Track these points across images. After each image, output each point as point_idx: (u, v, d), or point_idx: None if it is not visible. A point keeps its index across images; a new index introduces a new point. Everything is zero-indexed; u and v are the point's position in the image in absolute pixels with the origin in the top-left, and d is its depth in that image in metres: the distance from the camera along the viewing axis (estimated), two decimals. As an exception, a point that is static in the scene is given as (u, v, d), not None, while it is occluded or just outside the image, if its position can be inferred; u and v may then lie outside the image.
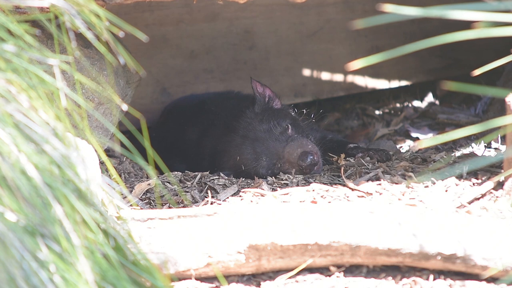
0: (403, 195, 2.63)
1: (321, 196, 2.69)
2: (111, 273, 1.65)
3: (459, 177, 2.70)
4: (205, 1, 3.93)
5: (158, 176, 3.06)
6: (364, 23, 1.68)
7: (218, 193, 2.90)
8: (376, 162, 3.09)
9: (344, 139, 3.67)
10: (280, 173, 3.11)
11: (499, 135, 3.17)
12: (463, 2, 1.76)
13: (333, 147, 3.29)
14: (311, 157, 3.09)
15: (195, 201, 2.84)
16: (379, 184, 2.75)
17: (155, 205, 2.79)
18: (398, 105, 4.48)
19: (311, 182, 2.88)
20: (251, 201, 2.73)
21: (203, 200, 2.82)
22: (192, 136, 3.47)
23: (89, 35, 1.80)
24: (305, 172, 3.09)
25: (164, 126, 3.67)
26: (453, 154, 2.97)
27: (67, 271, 1.57)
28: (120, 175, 3.13)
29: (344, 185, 2.80)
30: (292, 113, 3.41)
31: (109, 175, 2.35)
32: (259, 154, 3.18)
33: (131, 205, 2.60)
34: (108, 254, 1.66)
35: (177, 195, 2.88)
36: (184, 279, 2.16)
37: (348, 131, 4.31)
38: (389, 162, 3.08)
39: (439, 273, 2.16)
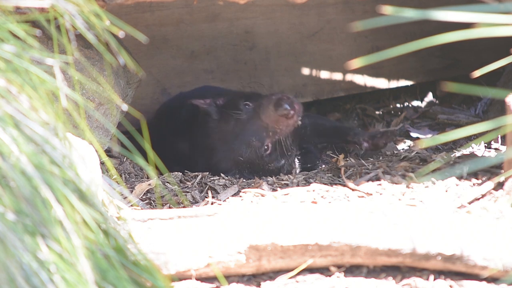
0: (403, 195, 2.63)
1: (321, 196, 2.69)
2: (112, 273, 1.65)
3: (459, 177, 2.70)
4: (206, 2, 3.93)
5: (159, 177, 3.06)
6: (363, 25, 1.68)
7: (218, 193, 2.91)
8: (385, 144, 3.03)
9: (341, 125, 3.59)
10: (280, 173, 3.10)
11: (499, 136, 3.16)
12: (463, 3, 1.76)
13: (328, 135, 3.23)
14: (288, 103, 3.01)
15: (195, 201, 2.84)
16: (379, 184, 2.75)
17: (155, 206, 2.79)
18: (398, 105, 4.48)
19: (311, 182, 2.88)
20: (252, 202, 2.73)
21: (203, 200, 2.82)
22: (183, 145, 3.42)
23: (89, 36, 1.80)
24: (292, 123, 3.01)
25: (156, 127, 3.64)
26: (453, 155, 2.97)
27: (68, 271, 1.57)
28: (120, 176, 3.13)
29: (344, 185, 2.80)
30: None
31: (110, 175, 2.35)
32: (249, 137, 3.14)
33: (131, 205, 2.60)
34: (109, 255, 1.66)
35: (178, 195, 2.88)
36: (185, 279, 2.16)
37: (348, 131, 4.31)
38: (390, 160, 3.07)
39: (439, 273, 2.16)
